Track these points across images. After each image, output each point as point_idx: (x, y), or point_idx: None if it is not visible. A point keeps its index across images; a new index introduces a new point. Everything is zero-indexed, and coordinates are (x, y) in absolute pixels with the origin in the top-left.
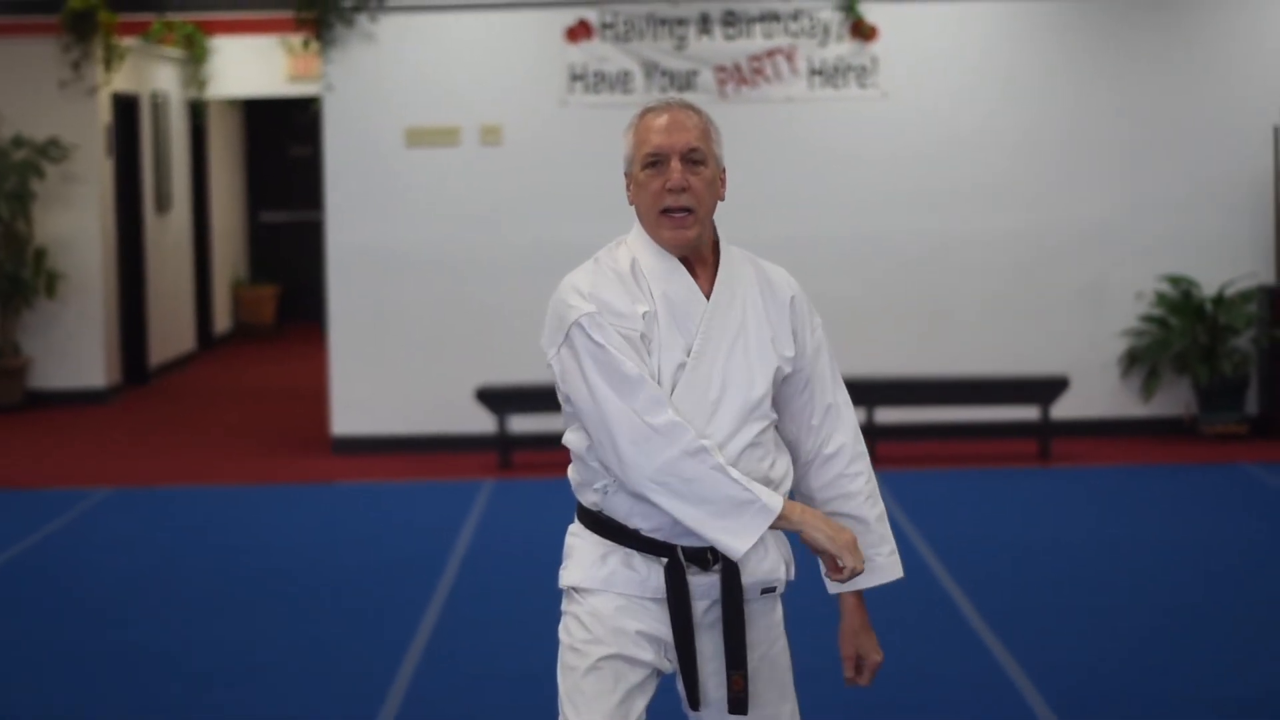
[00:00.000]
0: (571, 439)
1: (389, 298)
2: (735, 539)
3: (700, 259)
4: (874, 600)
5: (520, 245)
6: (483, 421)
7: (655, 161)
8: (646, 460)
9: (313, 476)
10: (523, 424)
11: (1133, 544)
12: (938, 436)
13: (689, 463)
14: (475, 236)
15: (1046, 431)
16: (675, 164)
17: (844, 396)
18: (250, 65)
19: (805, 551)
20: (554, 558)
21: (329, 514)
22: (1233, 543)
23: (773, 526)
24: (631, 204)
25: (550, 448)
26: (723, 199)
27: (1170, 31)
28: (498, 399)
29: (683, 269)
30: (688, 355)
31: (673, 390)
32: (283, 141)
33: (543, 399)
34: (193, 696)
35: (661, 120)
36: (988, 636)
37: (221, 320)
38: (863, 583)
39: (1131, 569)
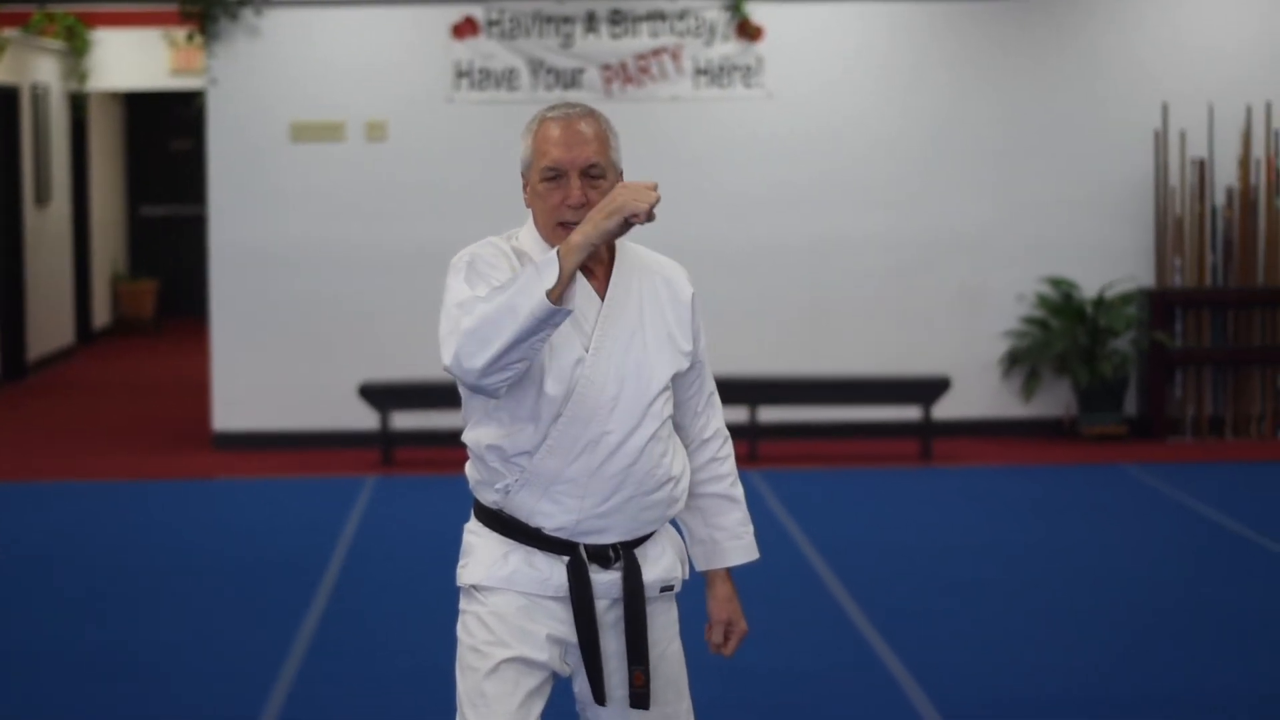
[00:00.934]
0: (470, 437)
1: (271, 293)
2: (541, 286)
3: (595, 258)
4: (759, 602)
5: (405, 241)
6: (365, 418)
7: (554, 175)
8: (449, 350)
9: (193, 472)
10: (405, 420)
11: (1013, 544)
12: (820, 436)
13: (470, 319)
14: (359, 232)
15: (928, 431)
16: (574, 181)
17: (714, 383)
18: (132, 58)
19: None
20: (436, 554)
21: (210, 510)
22: (1111, 543)
23: (568, 259)
24: (528, 206)
25: (433, 444)
26: None
27: (1053, 35)
28: (380, 395)
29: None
30: (586, 353)
31: (573, 388)
32: (164, 135)
33: (425, 395)
34: (71, 696)
35: (559, 132)
36: (871, 636)
37: (101, 314)
38: (732, 560)
39: (1012, 569)
